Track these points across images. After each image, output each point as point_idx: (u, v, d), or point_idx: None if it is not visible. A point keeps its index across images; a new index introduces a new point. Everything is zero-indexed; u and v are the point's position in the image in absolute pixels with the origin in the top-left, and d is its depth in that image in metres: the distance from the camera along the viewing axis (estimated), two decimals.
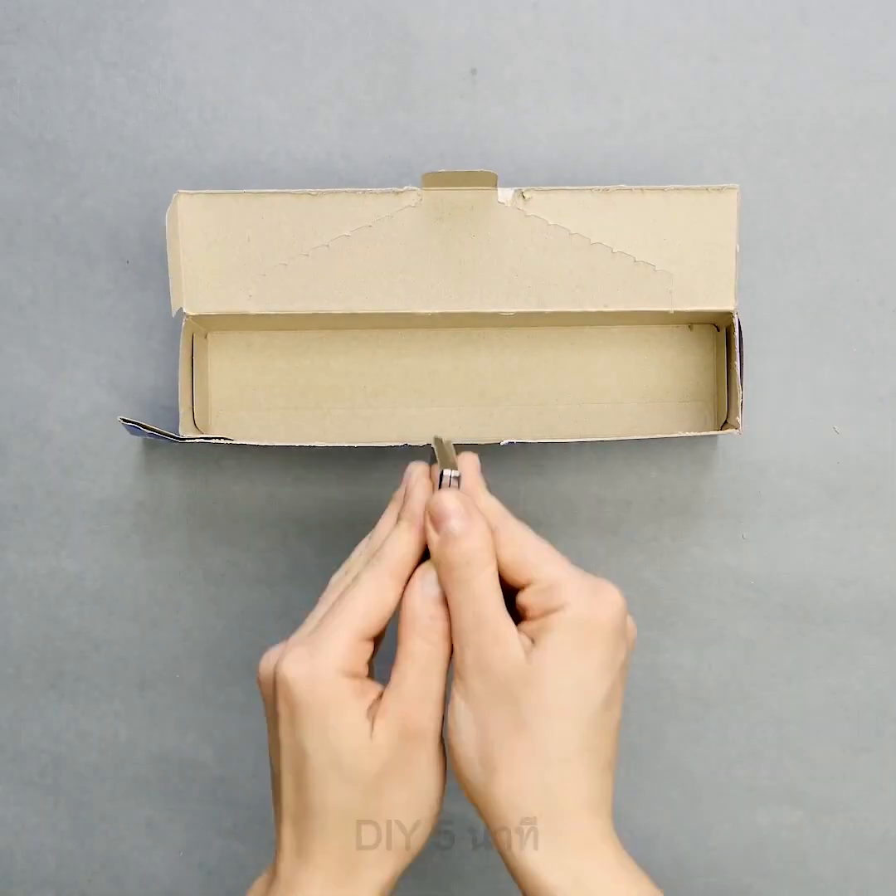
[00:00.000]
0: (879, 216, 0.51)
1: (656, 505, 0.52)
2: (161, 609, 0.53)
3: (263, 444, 0.47)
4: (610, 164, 0.52)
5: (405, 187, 0.46)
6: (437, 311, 0.47)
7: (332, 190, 0.46)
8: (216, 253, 0.47)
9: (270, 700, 0.37)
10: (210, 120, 0.52)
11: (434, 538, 0.37)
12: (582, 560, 0.52)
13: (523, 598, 0.37)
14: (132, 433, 0.48)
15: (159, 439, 0.48)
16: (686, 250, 0.47)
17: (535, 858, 0.35)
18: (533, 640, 0.36)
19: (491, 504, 0.39)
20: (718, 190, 0.46)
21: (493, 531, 0.37)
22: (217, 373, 0.52)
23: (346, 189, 0.47)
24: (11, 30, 0.52)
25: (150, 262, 0.52)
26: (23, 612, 0.53)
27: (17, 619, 0.53)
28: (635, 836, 0.52)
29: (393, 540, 0.38)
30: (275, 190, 0.47)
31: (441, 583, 0.37)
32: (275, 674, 0.36)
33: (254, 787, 0.53)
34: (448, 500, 0.37)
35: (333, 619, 0.36)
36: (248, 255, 0.47)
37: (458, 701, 0.36)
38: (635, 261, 0.47)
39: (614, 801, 0.53)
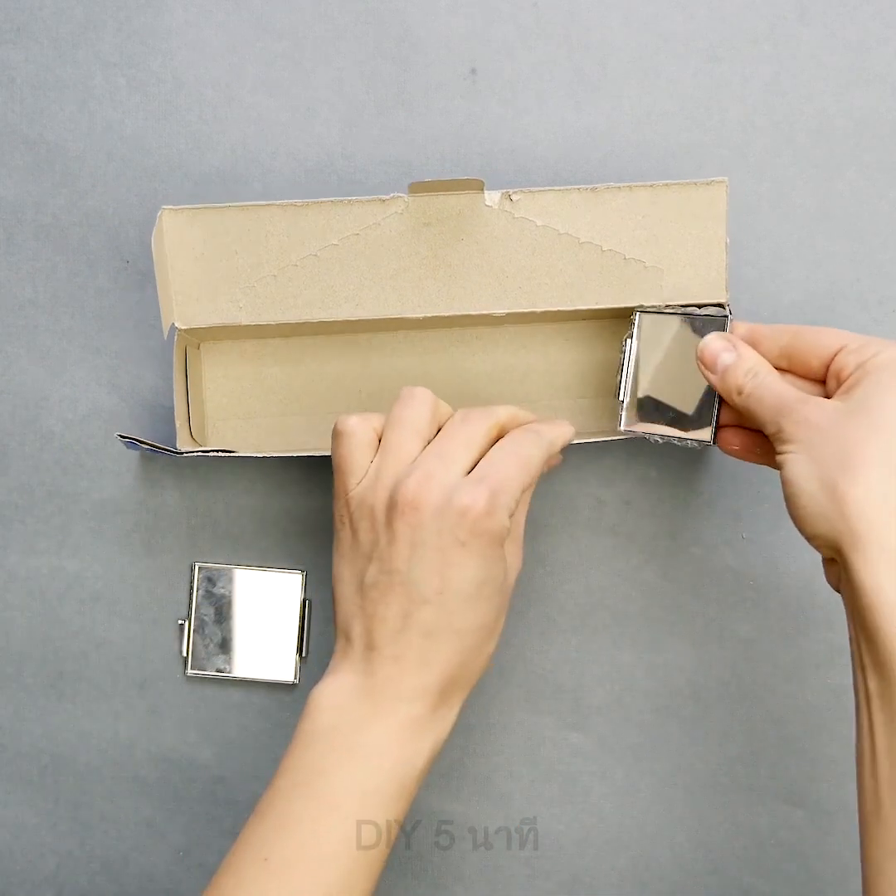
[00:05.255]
0: (879, 216, 0.51)
1: (656, 505, 0.52)
2: (161, 609, 0.53)
3: (259, 456, 0.47)
4: (609, 164, 0.52)
5: (391, 195, 0.46)
6: (427, 315, 0.47)
7: (317, 200, 0.46)
8: (204, 267, 0.47)
9: (427, 519, 0.40)
10: (210, 120, 0.52)
11: (714, 379, 0.44)
12: (582, 560, 0.52)
13: (837, 362, 0.41)
14: (129, 448, 0.48)
15: (157, 454, 0.48)
16: (676, 245, 0.47)
17: (876, 567, 0.37)
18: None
19: (775, 328, 0.44)
20: (707, 184, 0.46)
21: (799, 327, 0.43)
22: (211, 382, 0.52)
23: (332, 199, 0.46)
24: (11, 30, 0.52)
25: (149, 262, 0.52)
26: (23, 612, 0.53)
27: (17, 619, 0.53)
28: (635, 836, 0.52)
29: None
30: (259, 202, 0.46)
31: (740, 406, 0.43)
32: (462, 505, 0.40)
33: (254, 787, 0.53)
34: (712, 340, 0.44)
35: (508, 476, 0.41)
36: (237, 267, 0.47)
37: (790, 458, 0.40)
38: (625, 258, 0.47)
39: (614, 799, 0.53)
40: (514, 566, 0.44)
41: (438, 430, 0.44)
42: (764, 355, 0.44)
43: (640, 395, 0.48)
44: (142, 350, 0.53)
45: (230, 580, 0.53)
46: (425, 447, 0.42)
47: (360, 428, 0.42)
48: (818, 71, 0.51)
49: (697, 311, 0.47)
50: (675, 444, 0.47)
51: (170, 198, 0.52)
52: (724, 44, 0.51)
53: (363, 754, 0.39)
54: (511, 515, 0.41)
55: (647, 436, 0.48)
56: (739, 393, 0.43)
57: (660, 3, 0.51)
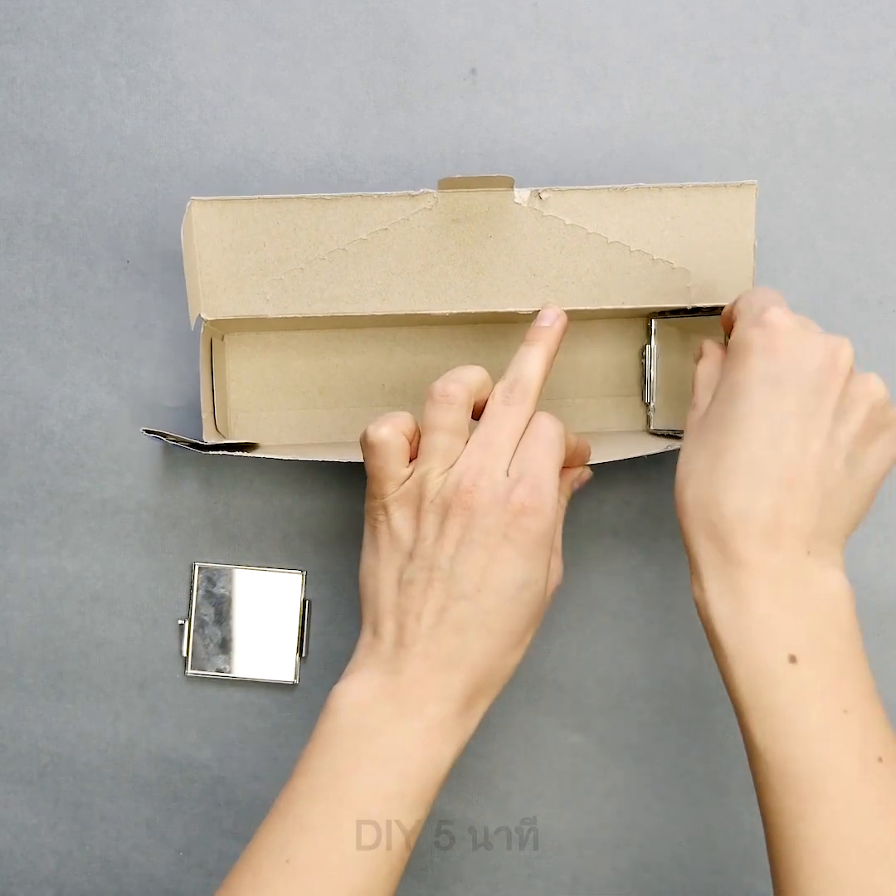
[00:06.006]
0: (879, 216, 0.51)
1: (656, 505, 0.52)
2: (161, 609, 0.53)
3: (287, 458, 0.47)
4: (610, 164, 0.52)
5: (421, 190, 0.46)
6: (454, 311, 0.47)
7: (347, 194, 0.46)
8: (232, 258, 0.47)
9: (488, 513, 0.40)
10: (210, 120, 0.52)
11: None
12: (582, 560, 0.52)
13: None
14: (153, 440, 0.48)
15: (182, 448, 0.48)
16: (704, 247, 0.47)
17: (690, 573, 0.40)
18: None
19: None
20: (737, 186, 0.46)
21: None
22: (235, 374, 0.52)
23: (361, 193, 0.46)
24: (11, 30, 0.52)
25: (150, 262, 0.52)
26: (23, 612, 0.53)
27: (17, 619, 0.53)
28: (635, 837, 0.52)
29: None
30: (289, 195, 0.46)
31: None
32: (511, 500, 0.40)
33: (254, 787, 0.53)
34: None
35: (544, 465, 0.41)
36: (264, 259, 0.47)
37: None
38: (653, 259, 0.47)
39: (614, 799, 0.53)
40: (552, 579, 0.44)
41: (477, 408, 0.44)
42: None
43: (664, 396, 0.50)
44: (142, 350, 0.53)
45: (230, 580, 0.53)
46: (467, 438, 0.42)
47: (391, 437, 0.42)
48: (818, 71, 0.51)
49: (708, 313, 0.48)
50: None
51: (170, 198, 0.52)
52: (724, 44, 0.51)
53: (387, 757, 0.39)
54: (554, 509, 0.41)
55: (673, 433, 0.50)
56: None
57: (660, 3, 0.51)
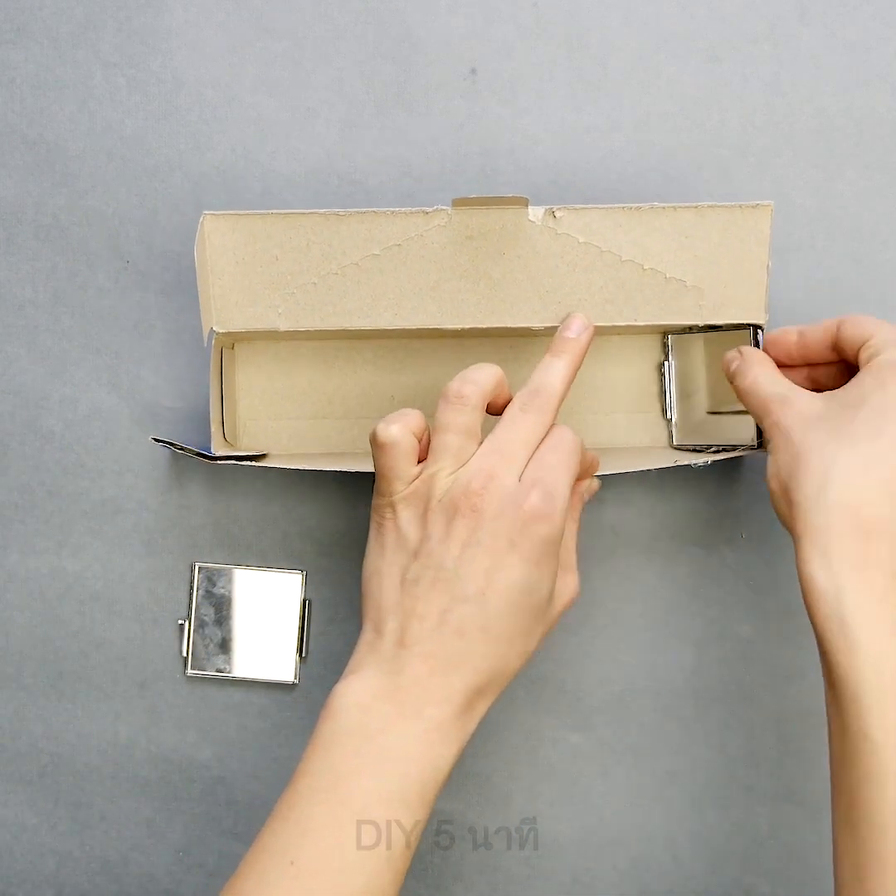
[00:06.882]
0: (879, 216, 0.51)
1: (656, 505, 0.52)
2: (161, 609, 0.53)
3: (293, 467, 0.46)
4: (610, 164, 0.52)
5: (435, 207, 0.46)
6: (466, 326, 0.47)
7: (359, 210, 0.46)
8: (245, 272, 0.47)
9: (499, 518, 0.40)
10: (210, 120, 0.52)
11: (733, 385, 0.46)
12: (582, 560, 0.52)
13: (859, 356, 0.42)
14: (164, 448, 0.48)
15: (190, 458, 0.48)
16: (717, 266, 0.46)
17: (809, 561, 0.39)
18: None
19: (823, 325, 0.45)
20: (752, 207, 0.46)
21: (842, 319, 0.44)
22: (244, 382, 0.52)
23: (374, 209, 0.46)
24: (11, 30, 0.52)
25: (150, 262, 0.52)
26: (23, 612, 0.53)
27: (17, 619, 0.53)
28: (635, 836, 0.52)
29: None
30: (302, 210, 0.46)
31: (745, 405, 0.45)
32: (523, 506, 0.40)
33: (254, 787, 0.53)
34: (728, 355, 0.47)
35: (560, 474, 0.41)
36: (277, 273, 0.47)
37: (768, 459, 0.42)
38: (666, 277, 0.47)
39: (614, 799, 0.53)
40: (563, 593, 0.44)
41: (492, 410, 0.44)
42: (815, 353, 0.45)
43: (688, 412, 0.51)
44: (142, 350, 0.53)
45: (230, 580, 0.53)
46: (480, 440, 0.42)
47: (401, 436, 0.41)
48: (818, 71, 0.51)
49: (722, 326, 0.48)
50: (719, 460, 0.48)
51: (170, 198, 0.52)
52: (724, 44, 0.51)
53: (389, 759, 0.39)
54: (564, 518, 0.41)
55: (696, 447, 0.50)
56: (742, 394, 0.45)
57: (660, 3, 0.51)
